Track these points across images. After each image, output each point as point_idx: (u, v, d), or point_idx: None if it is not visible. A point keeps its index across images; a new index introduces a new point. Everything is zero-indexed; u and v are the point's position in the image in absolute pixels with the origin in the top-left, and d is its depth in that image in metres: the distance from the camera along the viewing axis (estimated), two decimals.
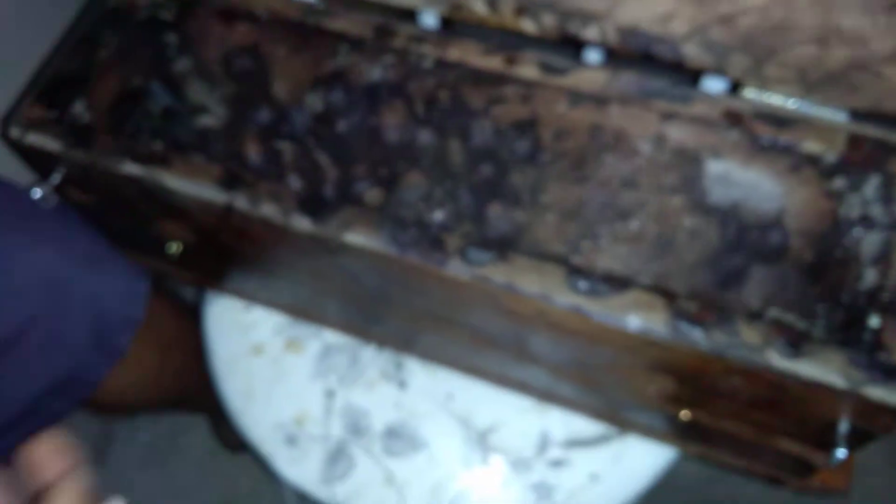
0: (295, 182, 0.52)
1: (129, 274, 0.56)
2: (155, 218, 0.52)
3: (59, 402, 0.54)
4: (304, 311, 0.60)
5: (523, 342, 0.48)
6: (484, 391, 0.58)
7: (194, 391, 0.78)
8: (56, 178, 0.50)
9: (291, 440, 0.59)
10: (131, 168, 0.48)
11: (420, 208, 0.47)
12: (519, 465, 0.56)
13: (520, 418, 0.58)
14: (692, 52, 0.48)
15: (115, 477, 1.04)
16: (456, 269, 0.43)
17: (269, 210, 0.46)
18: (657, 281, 0.47)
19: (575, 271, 0.43)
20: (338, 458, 0.58)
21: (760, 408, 0.45)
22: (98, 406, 0.68)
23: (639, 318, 0.41)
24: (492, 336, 0.49)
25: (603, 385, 0.50)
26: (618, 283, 0.42)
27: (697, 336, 0.40)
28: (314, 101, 0.54)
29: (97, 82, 0.53)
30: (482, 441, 0.57)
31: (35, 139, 0.49)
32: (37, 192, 0.50)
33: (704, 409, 0.47)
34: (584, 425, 0.57)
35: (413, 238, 0.44)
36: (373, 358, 0.61)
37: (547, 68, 0.50)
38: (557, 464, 0.56)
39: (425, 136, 0.51)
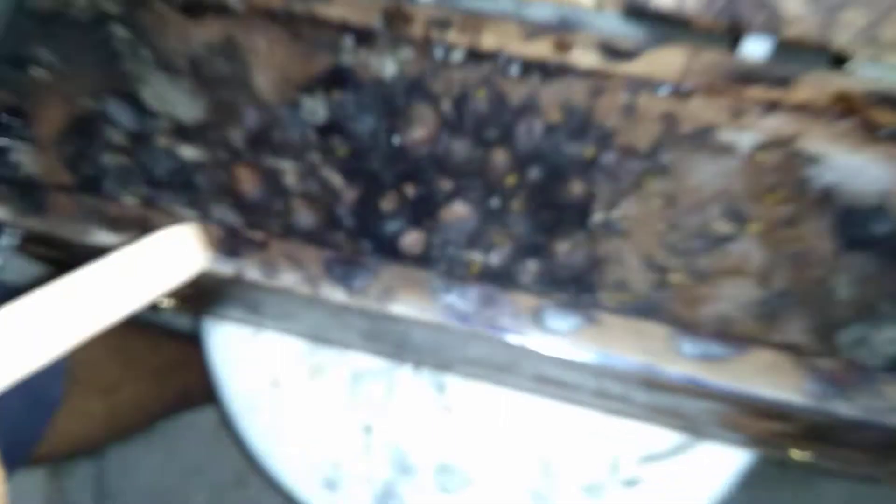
0: (306, 217, 0.42)
1: None
2: None
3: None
4: (324, 338, 0.52)
5: (606, 390, 0.41)
6: (543, 413, 0.52)
7: (183, 401, 0.76)
8: (8, 241, 0.40)
9: (331, 484, 0.52)
10: (102, 237, 0.38)
11: (471, 251, 0.38)
12: (591, 490, 0.51)
13: (586, 440, 0.52)
14: (794, 13, 0.38)
15: (120, 460, 0.98)
16: (534, 340, 0.35)
17: (290, 280, 0.37)
18: (771, 323, 0.40)
19: (680, 328, 0.35)
20: (387, 501, 0.52)
21: (889, 447, 0.39)
22: (51, 459, 0.69)
23: (767, 387, 0.34)
24: (566, 383, 0.42)
25: (695, 421, 0.43)
26: (733, 339, 0.35)
27: (840, 406, 0.33)
28: (315, 107, 0.44)
29: (37, 113, 0.41)
30: (547, 469, 0.51)
31: None
32: None
33: (820, 450, 0.41)
34: (658, 437, 0.51)
35: (475, 304, 0.35)
36: (410, 381, 0.54)
37: (609, 52, 0.40)
38: (632, 482, 0.51)
39: (461, 148, 0.41)
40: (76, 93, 0.43)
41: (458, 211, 0.40)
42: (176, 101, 0.47)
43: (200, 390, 0.69)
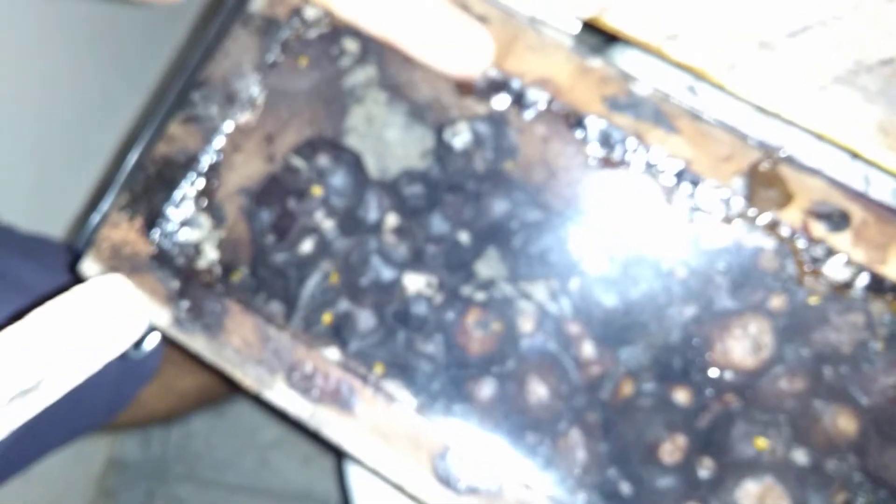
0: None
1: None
2: None
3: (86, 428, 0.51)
4: None
5: None
6: None
7: None
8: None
9: None
10: (284, 397, 0.27)
11: None
12: None
13: None
14: None
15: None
16: None
17: None
18: None
19: None
20: None
21: None
22: (128, 427, 0.72)
23: None
24: None
25: None
26: None
27: None
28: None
29: (227, 169, 0.30)
30: None
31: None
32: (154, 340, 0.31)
33: None
34: None
35: None
36: None
37: None
38: None
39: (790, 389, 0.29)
40: (279, 131, 0.31)
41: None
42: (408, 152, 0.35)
43: None
